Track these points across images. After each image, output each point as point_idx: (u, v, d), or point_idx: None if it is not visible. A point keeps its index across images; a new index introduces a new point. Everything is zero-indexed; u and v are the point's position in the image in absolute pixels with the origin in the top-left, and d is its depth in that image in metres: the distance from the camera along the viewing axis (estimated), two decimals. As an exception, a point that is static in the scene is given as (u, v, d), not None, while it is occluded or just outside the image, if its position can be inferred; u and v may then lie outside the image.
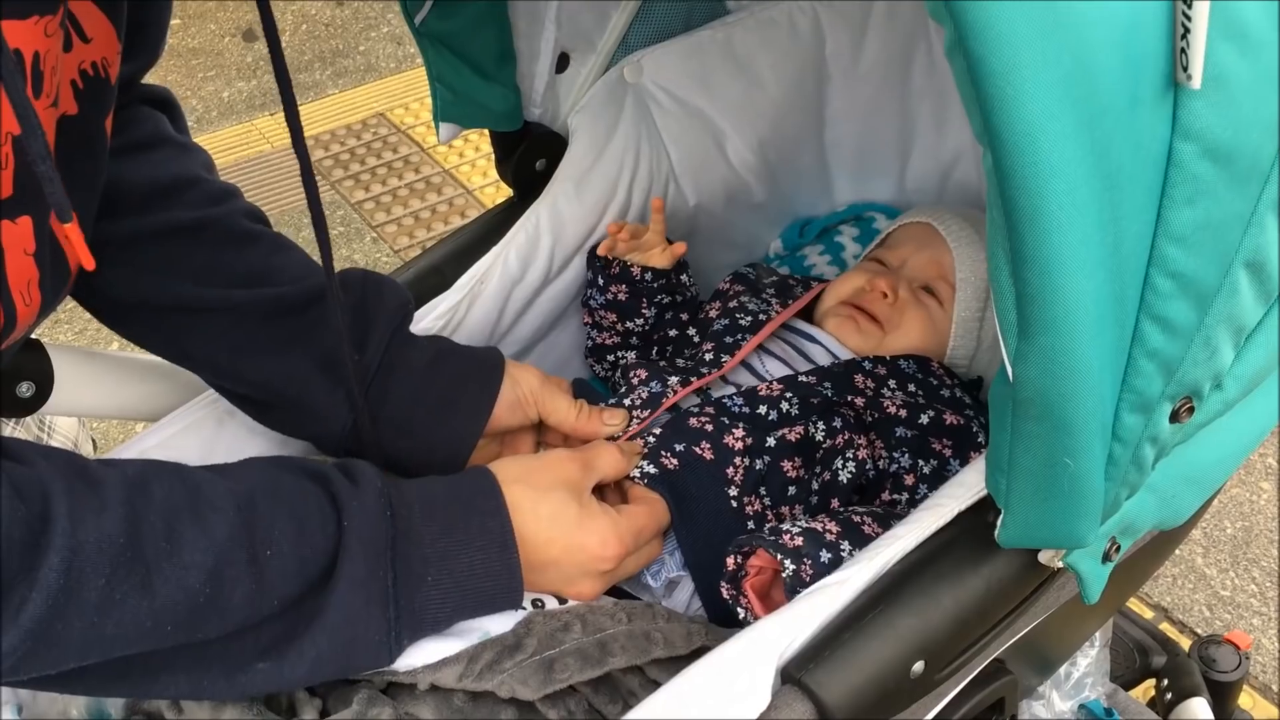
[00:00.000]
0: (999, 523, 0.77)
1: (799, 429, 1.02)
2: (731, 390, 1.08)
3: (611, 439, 1.03)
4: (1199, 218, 0.65)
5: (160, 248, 0.94)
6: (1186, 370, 0.72)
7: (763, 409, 1.04)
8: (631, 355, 1.23)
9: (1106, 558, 0.82)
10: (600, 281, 1.21)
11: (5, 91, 0.63)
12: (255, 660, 0.76)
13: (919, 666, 0.78)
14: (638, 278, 1.19)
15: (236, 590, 0.72)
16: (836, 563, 0.88)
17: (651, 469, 0.97)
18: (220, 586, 0.71)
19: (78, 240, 0.67)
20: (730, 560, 0.91)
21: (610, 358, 1.24)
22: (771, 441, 1.01)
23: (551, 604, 0.87)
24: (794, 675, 0.76)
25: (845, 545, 0.90)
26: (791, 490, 1.01)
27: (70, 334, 2.46)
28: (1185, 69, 0.60)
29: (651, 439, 1.01)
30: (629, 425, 1.04)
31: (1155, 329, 0.69)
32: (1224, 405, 0.79)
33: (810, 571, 0.87)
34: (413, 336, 1.02)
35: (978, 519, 0.82)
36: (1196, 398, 0.74)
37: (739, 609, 0.90)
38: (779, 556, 0.87)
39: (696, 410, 1.04)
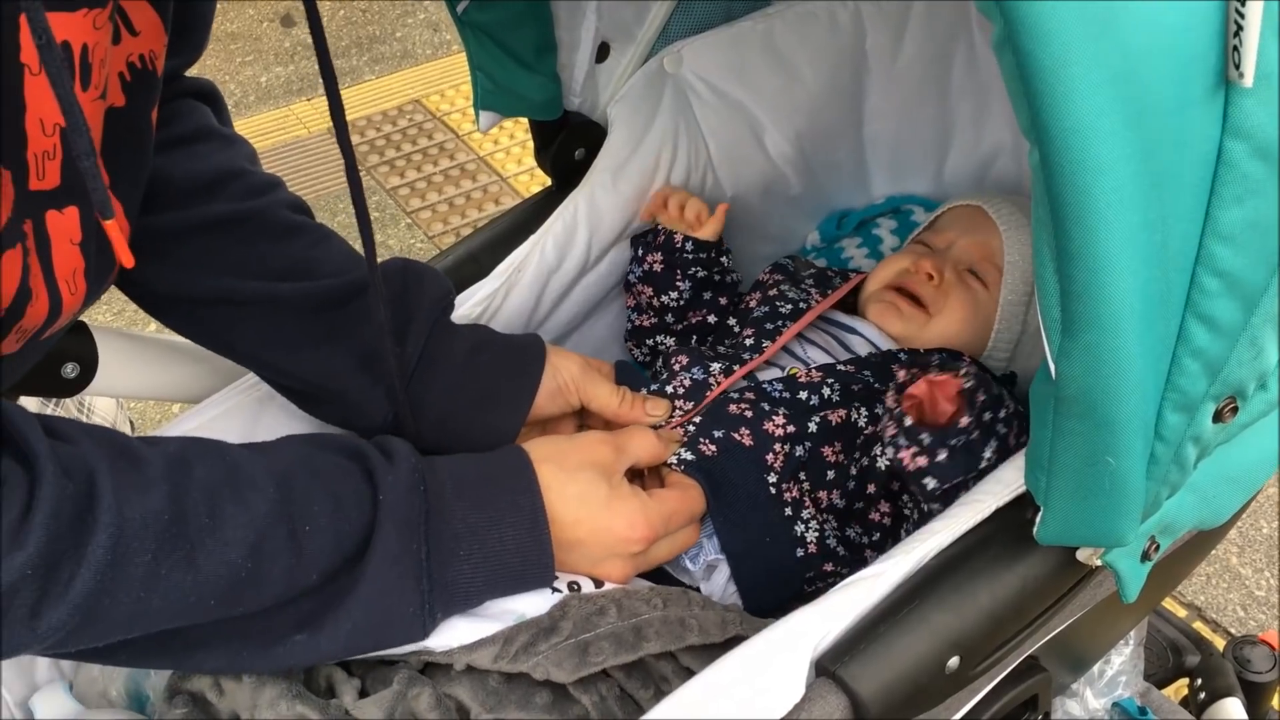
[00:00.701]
0: (1038, 520, 0.77)
1: (841, 412, 1.03)
2: (773, 375, 1.08)
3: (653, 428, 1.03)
4: (1248, 217, 0.65)
5: (201, 242, 0.95)
6: (1231, 370, 0.71)
7: (803, 394, 1.04)
8: (671, 341, 1.23)
9: (1145, 557, 0.81)
10: (639, 252, 1.22)
11: (51, 86, 0.64)
12: (292, 633, 0.77)
13: (954, 662, 0.78)
14: (677, 245, 1.20)
15: (276, 565, 0.73)
16: (1000, 402, 0.94)
17: (689, 455, 0.97)
18: (260, 561, 0.72)
19: (117, 237, 0.68)
20: (902, 373, 0.97)
21: (650, 341, 1.24)
22: (813, 426, 1.01)
23: (588, 586, 0.88)
24: (828, 668, 0.76)
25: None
26: (830, 474, 1.01)
27: (109, 314, 2.49)
28: (1238, 67, 0.60)
29: (691, 426, 1.01)
30: (672, 416, 1.04)
31: (1201, 328, 0.68)
32: (1268, 405, 0.79)
33: (983, 396, 0.92)
34: (454, 326, 1.02)
35: (1015, 516, 0.81)
36: (1240, 398, 0.74)
37: (903, 418, 0.94)
38: (962, 372, 0.92)
39: (736, 396, 1.04)
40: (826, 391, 1.05)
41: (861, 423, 1.03)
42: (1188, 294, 0.67)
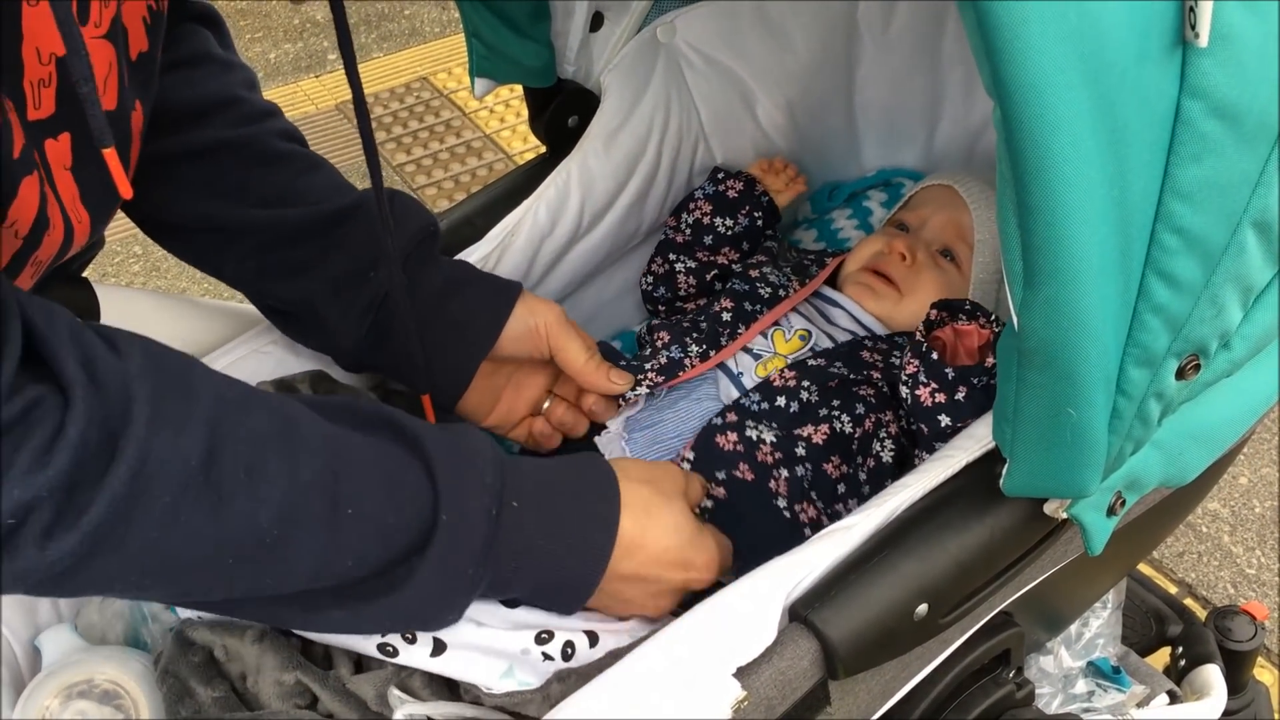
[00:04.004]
0: (1004, 471, 0.79)
1: (825, 428, 1.03)
2: (743, 390, 1.08)
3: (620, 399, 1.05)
4: (1206, 175, 0.66)
5: (193, 167, 0.97)
6: (1193, 327, 0.72)
7: (781, 400, 1.06)
8: (691, 265, 1.26)
9: (1111, 511, 0.83)
10: (720, 176, 1.27)
11: (52, 11, 0.65)
12: (331, 608, 0.76)
13: (922, 609, 0.80)
14: (758, 192, 1.26)
15: (308, 539, 0.70)
16: None
17: (708, 503, 0.99)
18: (290, 530, 0.69)
19: (115, 167, 0.68)
20: (934, 312, 0.98)
21: (671, 256, 1.27)
22: (800, 449, 1.02)
23: (581, 647, 0.85)
24: (800, 613, 0.78)
25: None
26: (841, 488, 1.02)
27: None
28: (1193, 27, 0.61)
29: (686, 465, 1.02)
30: (635, 388, 1.06)
31: (1161, 285, 0.69)
32: (1231, 365, 0.80)
33: None
34: (432, 260, 1.03)
35: (985, 470, 0.84)
36: (1203, 355, 0.75)
37: (929, 353, 0.97)
38: (987, 321, 0.96)
39: (720, 423, 1.04)
40: (804, 395, 1.05)
41: (848, 429, 1.03)
42: (1148, 251, 0.68)
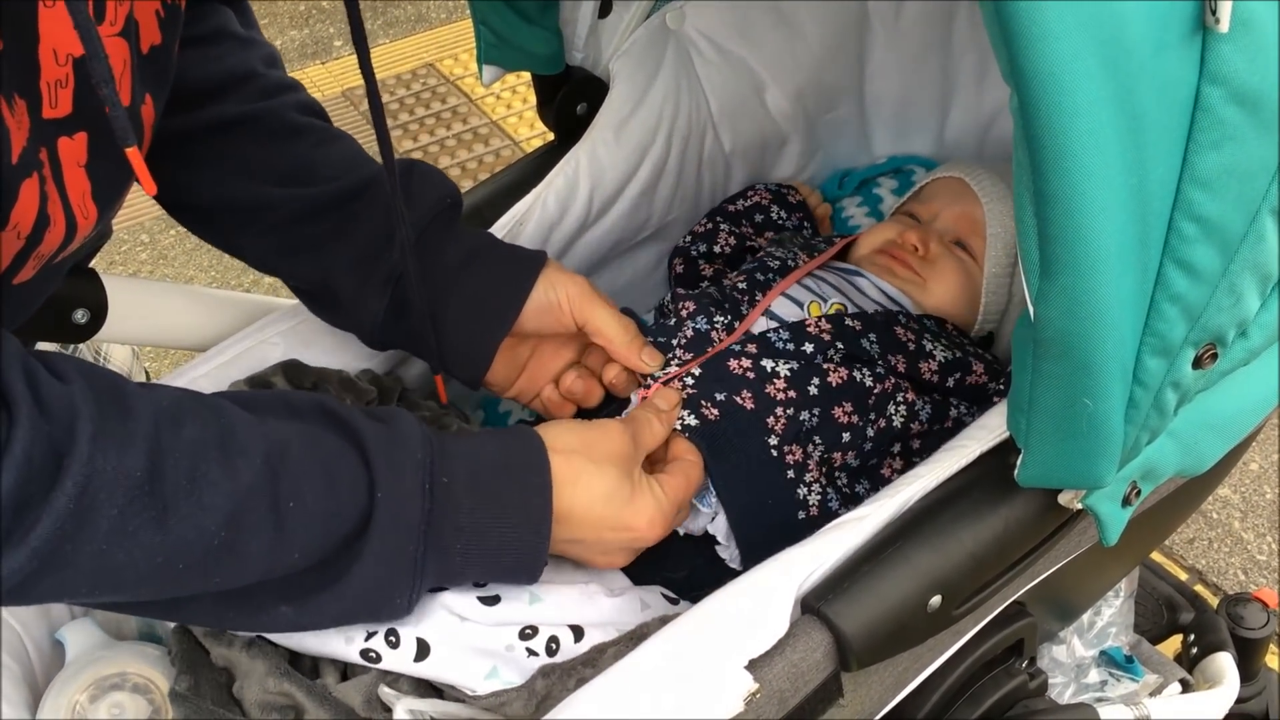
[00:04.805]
0: (1019, 462, 0.79)
1: (843, 371, 1.03)
2: (776, 325, 1.08)
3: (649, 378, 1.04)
4: (1225, 162, 0.65)
5: (211, 144, 0.96)
6: (1210, 316, 0.72)
7: (809, 347, 1.05)
8: (735, 230, 1.28)
9: (1126, 501, 0.83)
10: (777, 184, 1.34)
11: (70, 15, 0.65)
12: (277, 604, 0.76)
13: (936, 601, 0.80)
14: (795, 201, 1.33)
15: (255, 539, 0.71)
16: None
17: (692, 420, 0.98)
18: (238, 533, 0.70)
19: (139, 165, 0.68)
20: None
21: (719, 218, 1.30)
22: (813, 389, 1.01)
23: (566, 640, 0.84)
24: (813, 605, 0.78)
25: None
26: (846, 436, 1.01)
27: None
28: (1214, 12, 0.61)
29: (690, 379, 1.01)
30: (669, 366, 1.04)
31: (1179, 273, 0.69)
32: (1248, 354, 0.80)
33: None
34: (452, 231, 1.01)
35: (999, 460, 0.83)
36: (1220, 344, 0.75)
37: None
38: None
39: (738, 348, 1.04)
40: (830, 351, 1.05)
41: (869, 382, 1.03)
42: (1166, 239, 0.68)
